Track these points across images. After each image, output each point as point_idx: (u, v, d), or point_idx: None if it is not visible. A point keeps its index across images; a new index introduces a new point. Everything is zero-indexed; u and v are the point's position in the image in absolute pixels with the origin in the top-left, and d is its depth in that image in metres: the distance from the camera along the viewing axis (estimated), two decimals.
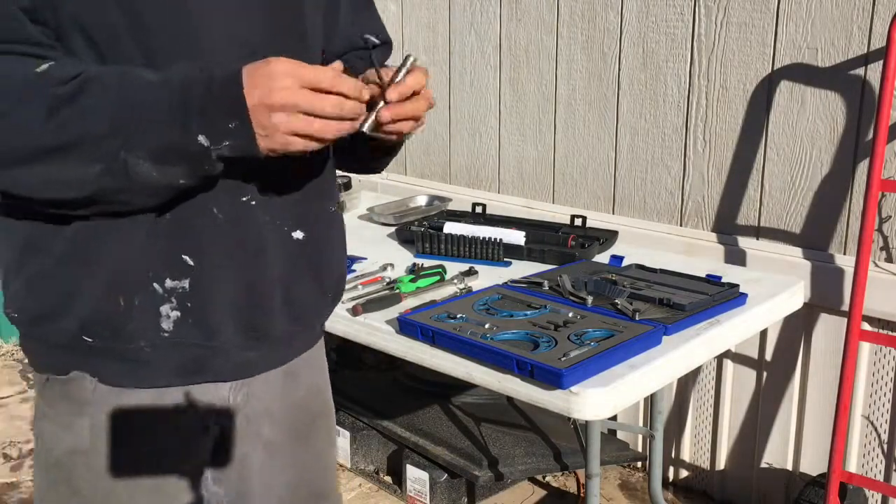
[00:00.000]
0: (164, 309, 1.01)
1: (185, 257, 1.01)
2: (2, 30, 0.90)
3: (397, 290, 1.83)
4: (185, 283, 1.01)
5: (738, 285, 1.79)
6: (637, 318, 1.61)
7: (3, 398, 3.22)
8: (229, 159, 0.92)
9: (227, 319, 1.05)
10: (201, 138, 0.89)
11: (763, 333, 2.27)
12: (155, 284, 1.00)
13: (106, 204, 0.94)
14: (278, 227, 1.07)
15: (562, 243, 2.14)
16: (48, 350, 1.05)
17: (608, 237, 2.21)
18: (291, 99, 0.89)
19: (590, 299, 1.70)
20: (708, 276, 1.84)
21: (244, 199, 1.03)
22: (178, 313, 1.02)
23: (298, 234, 1.09)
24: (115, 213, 0.96)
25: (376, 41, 1.10)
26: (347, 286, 1.89)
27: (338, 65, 0.96)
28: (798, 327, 2.22)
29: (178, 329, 1.02)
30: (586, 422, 2.00)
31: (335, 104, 0.91)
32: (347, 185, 2.64)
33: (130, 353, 1.02)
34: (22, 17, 0.90)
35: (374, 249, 2.20)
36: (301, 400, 1.23)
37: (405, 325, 1.63)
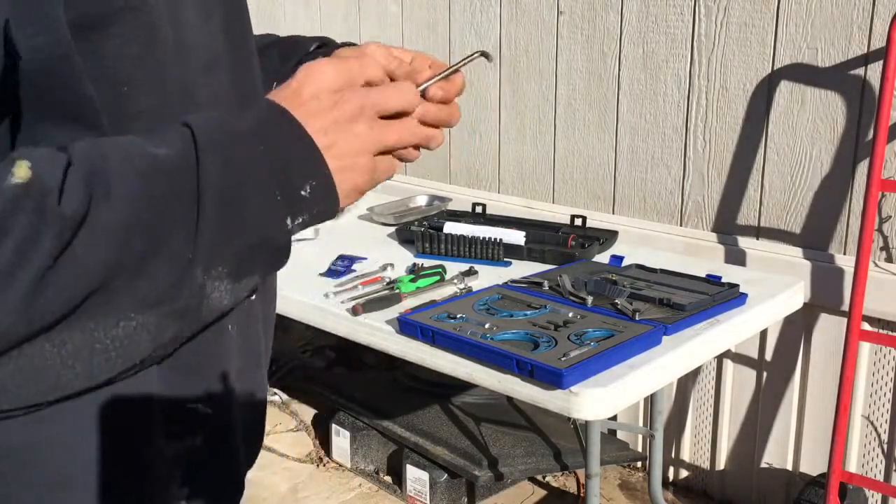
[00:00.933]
0: (173, 490, 0.73)
1: (199, 406, 0.74)
2: None
3: (397, 290, 1.83)
4: (198, 440, 0.74)
5: (738, 285, 1.79)
6: (637, 318, 1.61)
7: None
8: None
9: (244, 467, 0.82)
10: (289, 221, 0.63)
11: (763, 333, 2.27)
12: (158, 454, 0.71)
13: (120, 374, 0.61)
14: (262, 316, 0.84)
15: (562, 243, 2.14)
16: None
17: (608, 237, 2.21)
18: (359, 99, 0.66)
19: (590, 299, 1.70)
20: (708, 276, 1.84)
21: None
22: (188, 490, 0.75)
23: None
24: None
25: None
26: (347, 286, 1.89)
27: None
28: (798, 327, 2.22)
29: None
30: (586, 422, 2.00)
31: (407, 89, 0.70)
32: None
33: None
34: None
35: (374, 249, 2.20)
36: None
37: (405, 325, 1.63)
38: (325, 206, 0.65)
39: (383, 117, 0.68)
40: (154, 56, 0.66)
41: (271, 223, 0.62)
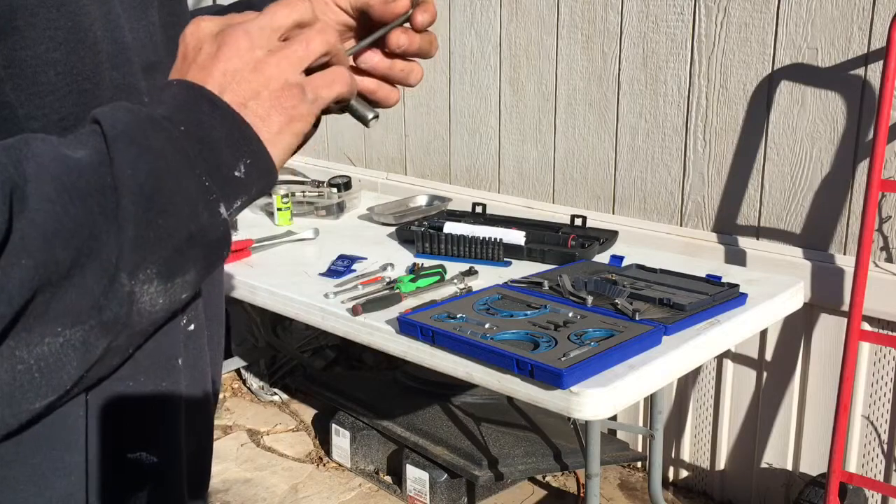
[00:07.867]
0: None
1: (140, 454, 0.66)
2: None
3: (397, 290, 1.83)
4: (143, 496, 0.67)
5: (738, 285, 1.79)
6: (637, 318, 1.61)
7: None
8: None
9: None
10: (223, 208, 0.58)
11: (763, 333, 2.27)
12: None
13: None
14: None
15: (562, 243, 2.14)
16: None
17: (608, 237, 2.21)
18: (243, 33, 0.59)
19: (590, 299, 1.70)
20: (708, 276, 1.84)
21: (181, 323, 0.70)
22: None
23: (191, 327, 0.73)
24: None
25: None
26: (347, 286, 1.89)
27: None
28: (798, 327, 2.22)
29: None
30: (586, 422, 2.00)
31: (324, 29, 0.61)
32: (347, 185, 2.64)
33: None
34: None
35: (374, 249, 2.21)
36: None
37: (405, 325, 1.63)
38: (264, 182, 0.60)
39: (310, 70, 0.60)
40: (83, 59, 0.61)
41: (202, 213, 0.56)
